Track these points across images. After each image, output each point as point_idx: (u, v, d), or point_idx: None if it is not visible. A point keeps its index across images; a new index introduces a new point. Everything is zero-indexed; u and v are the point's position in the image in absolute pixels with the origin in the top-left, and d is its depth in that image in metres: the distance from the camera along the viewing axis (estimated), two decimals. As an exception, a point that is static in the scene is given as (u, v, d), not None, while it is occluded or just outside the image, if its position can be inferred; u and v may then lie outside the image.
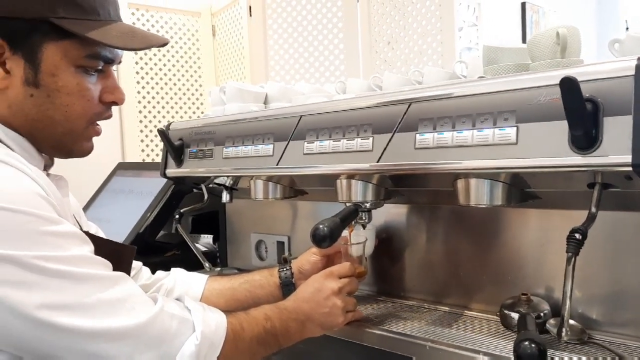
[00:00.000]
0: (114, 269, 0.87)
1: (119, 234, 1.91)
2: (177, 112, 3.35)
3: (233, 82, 1.73)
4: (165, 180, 1.82)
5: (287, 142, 1.32)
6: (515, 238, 1.24)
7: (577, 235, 0.91)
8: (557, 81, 0.84)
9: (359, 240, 1.31)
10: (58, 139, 0.94)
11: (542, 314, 1.11)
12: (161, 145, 1.69)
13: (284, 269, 1.33)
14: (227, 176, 1.62)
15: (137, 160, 3.12)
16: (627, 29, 5.28)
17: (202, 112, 3.36)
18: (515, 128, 0.95)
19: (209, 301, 1.23)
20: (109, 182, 2.35)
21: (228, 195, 1.70)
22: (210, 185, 1.77)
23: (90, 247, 0.86)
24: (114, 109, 1.00)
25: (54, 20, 0.86)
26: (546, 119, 0.91)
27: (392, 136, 1.12)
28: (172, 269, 1.33)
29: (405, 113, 1.11)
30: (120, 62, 0.98)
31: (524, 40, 4.73)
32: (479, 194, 1.07)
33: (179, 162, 1.63)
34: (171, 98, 3.33)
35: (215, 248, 2.09)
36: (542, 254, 1.19)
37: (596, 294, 1.12)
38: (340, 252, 1.31)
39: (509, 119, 0.96)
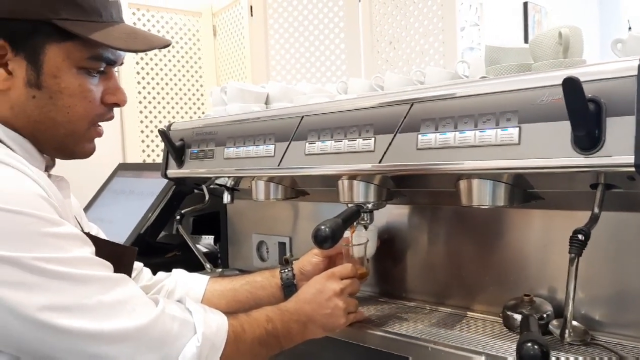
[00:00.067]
0: (115, 271, 0.87)
1: (120, 234, 1.91)
2: (177, 113, 3.35)
3: (234, 82, 1.72)
4: (166, 180, 1.82)
5: (288, 142, 1.32)
6: (518, 239, 1.23)
7: (580, 236, 0.91)
8: (560, 81, 0.84)
9: (361, 241, 1.30)
10: (60, 140, 0.94)
11: (544, 315, 1.11)
12: (162, 145, 1.69)
13: (286, 270, 1.32)
14: (229, 177, 1.62)
15: (138, 160, 3.12)
16: (629, 28, 5.27)
17: (203, 113, 3.36)
18: (517, 128, 0.94)
19: (210, 302, 1.23)
20: (110, 182, 2.35)
21: (229, 196, 1.69)
22: (212, 186, 1.77)
23: (91, 249, 0.86)
24: (115, 109, 1.00)
25: (57, 22, 0.86)
26: (549, 120, 0.91)
27: (394, 137, 1.12)
28: (173, 270, 1.33)
29: (407, 113, 1.11)
30: (122, 64, 0.98)
31: (526, 40, 4.73)
32: (482, 195, 1.07)
33: (180, 163, 1.63)
34: (172, 98, 3.33)
35: (216, 249, 2.09)
36: (545, 254, 1.19)
37: (599, 295, 1.11)
38: (341, 253, 1.31)
39: (511, 120, 0.95)
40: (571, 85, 0.83)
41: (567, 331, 0.99)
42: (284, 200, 1.52)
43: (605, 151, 0.85)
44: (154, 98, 3.26)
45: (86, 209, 2.16)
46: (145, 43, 0.95)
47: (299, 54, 3.04)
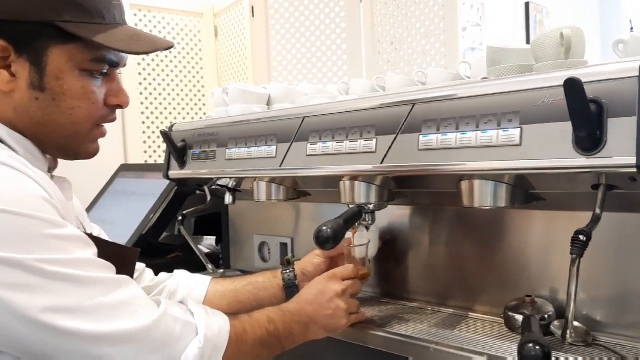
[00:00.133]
0: (118, 272, 0.87)
1: (122, 235, 1.91)
2: (179, 113, 3.35)
3: (236, 83, 1.73)
4: (167, 181, 1.82)
5: (289, 143, 1.32)
6: (519, 239, 1.23)
7: (582, 237, 0.91)
8: (561, 82, 0.84)
9: (362, 241, 1.30)
10: (63, 141, 0.94)
11: (546, 316, 1.11)
12: (163, 146, 1.69)
13: (287, 271, 1.32)
14: (230, 177, 1.62)
15: (139, 161, 3.13)
16: (631, 29, 5.27)
17: (205, 113, 3.36)
18: (519, 129, 0.94)
19: (212, 303, 1.23)
20: (112, 183, 2.36)
21: (231, 197, 1.69)
22: (213, 187, 1.77)
23: (93, 250, 0.86)
24: (117, 110, 1.01)
25: (59, 24, 0.86)
26: (550, 120, 0.91)
27: (396, 137, 1.12)
28: (175, 271, 1.33)
29: (408, 114, 1.11)
30: (124, 65, 0.98)
31: (527, 40, 4.73)
32: (483, 195, 1.07)
33: (182, 164, 1.63)
34: (173, 99, 3.33)
35: (217, 249, 2.09)
36: (546, 255, 1.19)
37: (601, 296, 1.11)
38: (343, 253, 1.31)
39: (512, 120, 0.95)
40: (572, 86, 0.83)
41: (568, 332, 0.99)
42: (285, 200, 1.52)
43: (606, 152, 0.85)
44: (155, 99, 3.26)
45: (88, 209, 2.17)
46: (148, 45, 0.95)
47: (300, 54, 3.04)
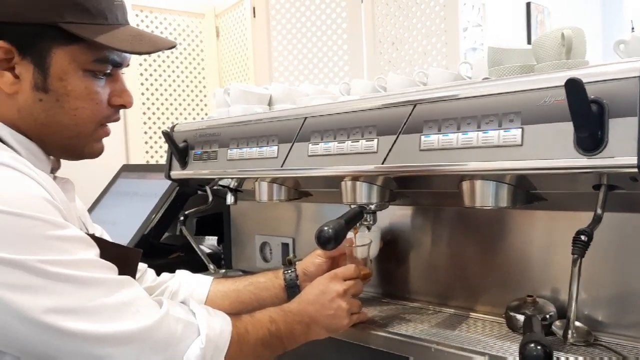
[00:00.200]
0: (120, 272, 0.87)
1: (124, 236, 1.91)
2: (181, 114, 3.35)
3: (237, 84, 1.73)
4: (169, 182, 1.82)
5: (291, 143, 1.32)
6: (521, 240, 1.23)
7: (583, 237, 0.91)
8: (563, 82, 0.84)
9: (364, 242, 1.31)
10: (68, 142, 0.94)
11: (547, 316, 1.11)
12: (165, 147, 1.69)
13: (289, 271, 1.33)
14: (232, 178, 1.62)
15: (141, 162, 3.13)
16: (632, 29, 5.26)
17: (206, 114, 3.36)
18: (520, 129, 0.94)
19: (214, 303, 1.23)
20: (114, 184, 2.36)
21: (232, 197, 1.70)
22: (215, 187, 1.77)
23: (96, 251, 0.86)
24: None
25: (62, 25, 0.86)
26: (551, 121, 0.91)
27: (397, 138, 1.12)
28: (177, 271, 1.34)
29: (410, 114, 1.11)
30: (128, 65, 0.98)
31: (528, 40, 4.73)
32: (484, 196, 1.07)
33: (184, 164, 1.63)
34: (175, 99, 3.33)
35: (219, 250, 2.09)
36: (548, 255, 1.19)
37: (602, 296, 1.11)
38: (345, 254, 1.31)
39: (514, 121, 0.95)
40: (574, 87, 0.83)
41: (570, 332, 0.99)
42: (287, 201, 1.52)
43: (608, 152, 0.85)
44: (157, 99, 3.26)
45: (90, 210, 2.17)
46: (150, 45, 0.96)
47: (301, 55, 3.04)
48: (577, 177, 0.95)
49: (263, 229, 1.83)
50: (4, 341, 0.79)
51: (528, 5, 4.94)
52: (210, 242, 2.15)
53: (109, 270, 0.86)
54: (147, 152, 3.22)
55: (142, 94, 3.18)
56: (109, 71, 0.94)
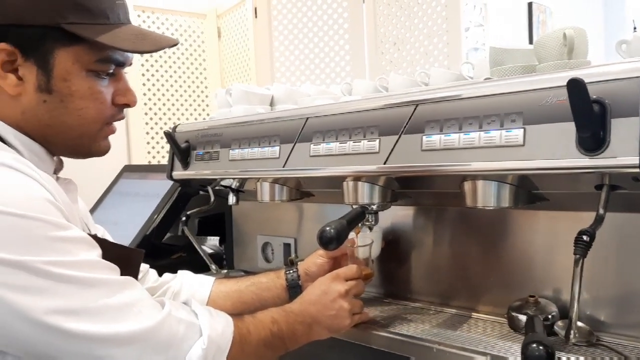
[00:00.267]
0: (122, 273, 0.87)
1: (126, 236, 1.92)
2: (182, 114, 3.36)
3: (239, 84, 1.73)
4: (171, 182, 1.82)
5: (293, 144, 1.32)
6: (523, 240, 1.23)
7: (585, 237, 0.91)
8: (565, 83, 0.84)
9: (366, 242, 1.31)
10: (74, 142, 0.95)
11: (550, 316, 1.11)
12: (167, 147, 1.69)
13: (291, 271, 1.33)
14: (234, 178, 1.62)
15: (143, 162, 3.13)
16: (634, 29, 5.26)
17: (208, 114, 3.36)
18: (522, 130, 0.94)
19: (216, 304, 1.23)
20: (116, 184, 2.36)
21: (234, 198, 1.70)
22: (217, 188, 1.77)
23: (98, 252, 0.86)
24: None
25: (65, 26, 0.86)
26: (553, 121, 0.91)
27: (399, 138, 1.12)
28: (179, 272, 1.34)
29: (411, 115, 1.11)
30: (131, 64, 0.98)
31: (530, 40, 4.72)
32: (486, 196, 1.07)
33: (186, 165, 1.64)
34: (177, 100, 3.34)
35: (221, 250, 2.09)
36: (550, 255, 1.19)
37: (604, 296, 1.11)
38: (346, 254, 1.31)
39: (516, 121, 0.95)
40: (576, 87, 0.83)
41: (572, 332, 0.99)
42: (288, 201, 1.52)
43: (610, 152, 0.85)
44: (159, 100, 3.27)
45: (92, 210, 2.17)
46: (153, 44, 0.95)
47: (303, 55, 3.05)
48: (579, 177, 0.95)
49: (265, 229, 1.83)
50: (6, 341, 0.79)
51: (530, 5, 4.94)
52: (212, 243, 2.16)
53: (111, 271, 0.86)
54: (148, 152, 3.23)
55: (144, 94, 3.19)
56: (111, 71, 0.94)
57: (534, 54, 1.10)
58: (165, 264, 1.74)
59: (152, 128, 3.24)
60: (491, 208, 1.08)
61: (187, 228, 1.81)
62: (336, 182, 1.30)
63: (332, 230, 1.12)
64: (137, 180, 2.29)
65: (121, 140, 3.07)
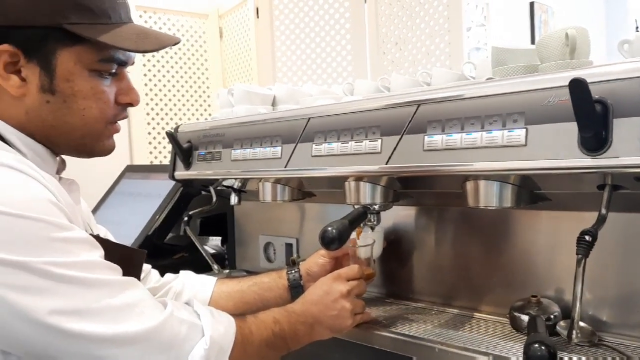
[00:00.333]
0: (124, 273, 0.88)
1: (128, 236, 1.92)
2: (184, 114, 3.36)
3: (241, 85, 1.73)
4: (173, 182, 1.82)
5: (295, 144, 1.32)
6: (525, 240, 1.23)
7: (587, 237, 0.91)
8: (567, 83, 0.84)
9: (367, 242, 1.31)
10: (78, 142, 0.95)
11: (552, 316, 1.11)
12: (169, 147, 1.69)
13: (292, 272, 1.33)
14: (236, 178, 1.62)
15: (145, 162, 3.14)
16: (637, 29, 5.25)
17: (210, 114, 3.37)
18: (524, 130, 0.94)
19: (218, 304, 1.24)
20: (118, 184, 2.36)
21: (236, 198, 1.70)
22: (219, 188, 1.77)
23: (100, 252, 0.86)
24: None
25: (66, 26, 0.86)
26: (555, 121, 0.91)
27: (401, 138, 1.12)
28: (181, 272, 1.34)
29: (413, 115, 1.11)
30: (133, 63, 0.98)
31: (532, 40, 4.72)
32: (488, 196, 1.07)
33: (188, 165, 1.64)
34: (179, 100, 3.34)
35: (223, 250, 2.10)
36: (552, 255, 1.18)
37: (607, 296, 1.11)
38: (348, 254, 1.31)
39: (518, 121, 0.95)
40: (578, 87, 0.83)
41: (574, 332, 0.98)
42: (290, 201, 1.52)
43: (612, 152, 0.85)
44: (160, 100, 3.27)
45: (94, 211, 2.17)
46: (155, 43, 0.95)
47: (305, 55, 3.05)
48: (582, 177, 0.95)
49: (267, 229, 1.83)
50: (8, 342, 0.79)
51: (532, 4, 4.93)
52: (214, 243, 2.16)
53: (113, 271, 0.86)
54: (150, 152, 3.23)
55: (146, 94, 3.19)
56: (114, 70, 0.94)
57: (536, 54, 1.10)
58: (167, 264, 1.74)
59: (154, 128, 3.25)
60: (493, 208, 1.08)
61: (189, 228, 1.81)
62: (338, 182, 1.30)
63: (334, 231, 1.13)
64: (139, 180, 2.29)
65: (123, 141, 3.07)
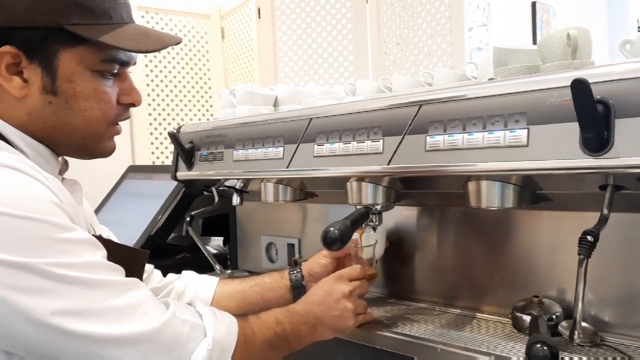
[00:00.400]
0: (127, 273, 0.88)
1: (130, 236, 1.92)
2: (186, 115, 3.36)
3: (243, 85, 1.73)
4: (175, 183, 1.83)
5: (297, 144, 1.33)
6: (527, 240, 1.23)
7: (589, 238, 0.91)
8: (568, 83, 0.84)
9: (370, 242, 1.31)
10: (80, 142, 0.95)
11: (554, 316, 1.11)
12: (171, 147, 1.70)
13: (295, 272, 1.33)
14: (238, 179, 1.62)
15: (147, 162, 3.14)
16: (638, 28, 5.24)
17: (212, 115, 3.37)
18: (526, 130, 0.94)
19: (220, 304, 1.24)
20: (120, 185, 2.37)
21: (238, 198, 1.70)
22: (221, 188, 1.77)
23: (103, 253, 0.86)
24: None
25: (68, 27, 0.87)
26: (557, 121, 0.91)
27: (403, 138, 1.12)
28: (183, 272, 1.34)
29: (415, 115, 1.11)
30: (135, 64, 0.99)
31: (534, 39, 4.72)
32: (490, 196, 1.07)
33: (190, 165, 1.64)
34: (180, 100, 3.34)
35: (225, 250, 2.10)
36: (554, 256, 1.18)
37: (609, 296, 1.11)
38: (350, 254, 1.31)
39: (519, 121, 0.95)
40: (580, 87, 0.83)
41: (576, 332, 0.98)
42: (292, 202, 1.52)
43: (614, 152, 0.85)
44: (162, 100, 3.27)
45: (97, 211, 2.18)
46: (156, 42, 0.95)
47: (306, 55, 3.05)
48: (583, 177, 0.95)
49: (269, 230, 1.83)
50: (11, 342, 0.79)
51: (533, 4, 4.93)
52: (216, 243, 2.16)
53: (116, 272, 0.86)
54: (152, 152, 3.23)
55: (148, 95, 3.20)
56: (116, 71, 0.94)
57: (537, 54, 1.10)
58: (170, 264, 1.74)
59: (155, 128, 3.25)
60: (495, 208, 1.08)
61: (191, 228, 1.81)
62: (340, 182, 1.30)
63: (336, 231, 1.13)
64: (142, 180, 2.29)
65: (125, 141, 3.08)
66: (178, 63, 3.32)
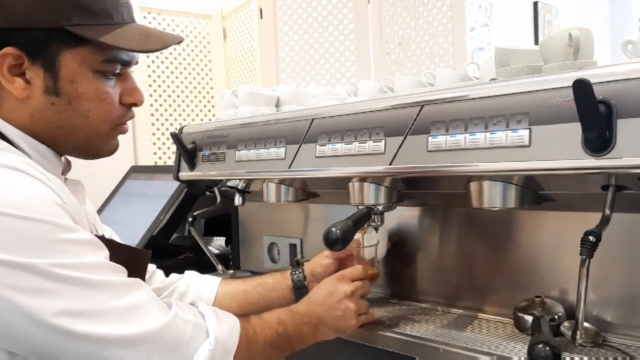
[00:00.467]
0: (130, 274, 0.88)
1: (133, 237, 1.92)
2: (188, 115, 3.36)
3: (245, 86, 1.74)
4: (178, 183, 1.83)
5: (299, 145, 1.33)
6: (529, 240, 1.23)
7: (591, 238, 0.91)
8: (570, 83, 0.84)
9: (372, 243, 1.31)
10: (83, 143, 0.95)
11: (556, 317, 1.11)
12: (173, 147, 1.70)
13: (297, 272, 1.33)
14: (240, 179, 1.62)
15: (149, 163, 3.14)
16: (640, 28, 5.24)
17: (214, 115, 3.37)
18: (528, 130, 0.94)
19: (222, 304, 1.24)
20: (123, 185, 2.37)
21: (240, 198, 1.70)
22: (223, 188, 1.78)
23: (105, 253, 0.86)
24: None
25: (69, 28, 0.87)
26: (559, 121, 0.91)
27: (405, 139, 1.12)
28: (186, 272, 1.34)
29: (417, 115, 1.11)
30: (137, 63, 0.99)
31: (536, 39, 4.72)
32: (492, 197, 1.07)
33: (192, 166, 1.64)
34: (182, 101, 3.35)
35: (227, 251, 2.10)
36: (556, 256, 1.18)
37: (611, 297, 1.11)
38: (352, 255, 1.31)
39: (521, 122, 0.95)
40: (582, 87, 0.83)
41: (578, 333, 0.98)
42: (294, 202, 1.52)
43: (616, 153, 0.85)
44: (165, 101, 3.28)
45: (99, 211, 2.18)
46: (158, 42, 0.95)
47: (308, 56, 3.05)
48: (585, 177, 0.95)
49: (271, 230, 1.83)
50: (14, 343, 0.79)
51: (535, 4, 4.93)
52: (218, 243, 2.16)
53: (119, 272, 0.86)
54: (155, 153, 3.24)
55: (150, 95, 3.20)
56: (118, 71, 0.94)
57: (539, 55, 1.10)
58: (172, 264, 1.74)
59: (158, 129, 3.25)
60: (497, 209, 1.08)
61: (194, 229, 1.82)
62: (342, 183, 1.30)
63: (337, 231, 1.13)
64: (144, 181, 2.30)
65: (128, 141, 3.08)
66: (180, 63, 3.32)
